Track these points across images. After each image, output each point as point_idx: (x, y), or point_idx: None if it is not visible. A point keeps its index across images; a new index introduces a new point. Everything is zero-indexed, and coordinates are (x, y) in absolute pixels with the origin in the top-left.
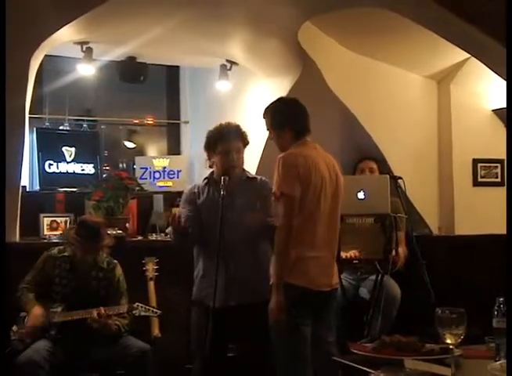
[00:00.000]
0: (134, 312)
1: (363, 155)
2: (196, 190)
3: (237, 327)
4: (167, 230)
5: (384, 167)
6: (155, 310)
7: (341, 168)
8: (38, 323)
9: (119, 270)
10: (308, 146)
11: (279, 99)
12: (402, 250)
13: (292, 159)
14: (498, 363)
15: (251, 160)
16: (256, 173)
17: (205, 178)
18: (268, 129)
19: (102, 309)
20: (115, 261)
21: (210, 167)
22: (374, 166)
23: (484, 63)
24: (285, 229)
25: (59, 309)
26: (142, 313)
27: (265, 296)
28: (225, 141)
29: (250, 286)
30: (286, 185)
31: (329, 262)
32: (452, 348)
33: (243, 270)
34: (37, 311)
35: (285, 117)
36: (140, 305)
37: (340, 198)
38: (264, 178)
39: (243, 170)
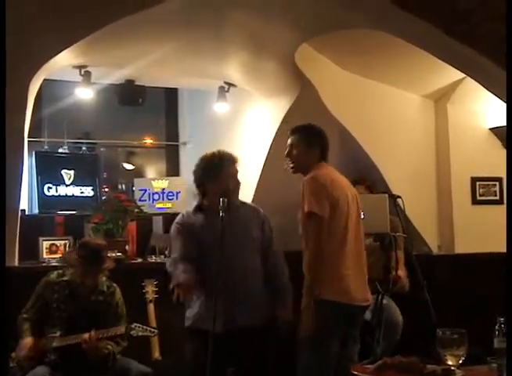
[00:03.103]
0: (132, 332)
1: (354, 177)
2: (187, 219)
3: (237, 352)
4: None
5: (376, 186)
6: (152, 330)
7: None
8: (25, 354)
9: (118, 294)
10: (328, 168)
11: (312, 124)
12: (402, 271)
13: (321, 180)
14: None
15: (248, 182)
16: (253, 197)
17: (196, 206)
18: (293, 145)
19: (92, 332)
20: (114, 284)
21: (203, 194)
22: (362, 191)
23: (480, 83)
24: (314, 249)
25: (58, 334)
26: (140, 333)
27: (265, 320)
28: (227, 166)
29: (250, 310)
30: (317, 205)
31: (363, 278)
32: (453, 370)
33: (242, 294)
34: (26, 342)
35: (317, 137)
36: (137, 325)
37: (360, 218)
38: (253, 204)
39: None
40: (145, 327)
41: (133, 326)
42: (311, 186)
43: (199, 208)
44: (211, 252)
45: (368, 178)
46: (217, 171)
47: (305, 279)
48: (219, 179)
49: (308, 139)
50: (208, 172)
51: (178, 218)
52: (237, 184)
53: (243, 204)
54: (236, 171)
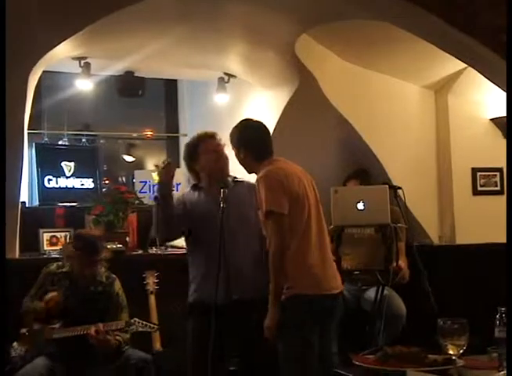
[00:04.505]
0: (131, 327)
1: (350, 172)
2: (184, 196)
3: (238, 325)
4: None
5: (371, 179)
6: (152, 325)
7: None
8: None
9: (118, 284)
10: (279, 161)
11: (243, 121)
12: (403, 262)
13: (273, 175)
14: (501, 373)
15: (247, 174)
16: None
17: (192, 186)
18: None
19: (100, 325)
20: (114, 275)
21: (196, 178)
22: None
23: (481, 73)
24: (279, 248)
25: (58, 326)
26: (140, 329)
27: (262, 295)
28: (202, 143)
29: (250, 283)
30: (274, 202)
31: (330, 265)
32: (454, 359)
33: (242, 268)
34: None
35: (242, 139)
36: (137, 320)
37: (320, 203)
38: (248, 180)
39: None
40: (145, 322)
41: (133, 321)
42: (265, 184)
43: (195, 187)
44: (207, 231)
45: (364, 167)
46: (195, 150)
47: (271, 278)
48: (199, 157)
49: (234, 142)
50: (189, 154)
51: (175, 196)
52: (221, 158)
53: (238, 181)
54: (217, 146)
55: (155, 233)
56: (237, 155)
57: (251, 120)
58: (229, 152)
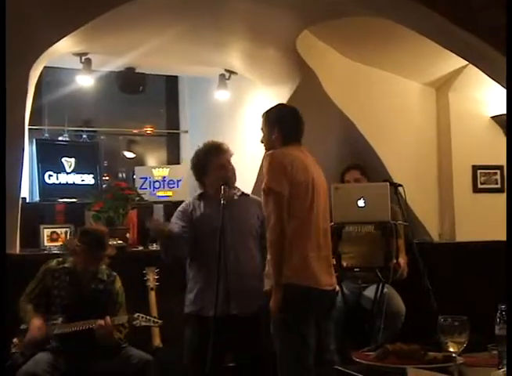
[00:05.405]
0: (134, 322)
1: (349, 164)
2: (190, 207)
3: (237, 338)
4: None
5: (371, 171)
6: (155, 320)
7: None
8: (39, 334)
9: (118, 283)
10: (296, 147)
11: (280, 104)
12: (403, 258)
13: (280, 157)
14: (501, 370)
15: (248, 171)
16: (254, 186)
17: (198, 195)
18: (262, 130)
19: (108, 318)
20: (114, 273)
21: (203, 187)
22: (358, 176)
23: (483, 70)
24: (277, 227)
25: (59, 321)
26: (143, 323)
27: (264, 307)
28: (218, 154)
29: (249, 296)
30: (274, 181)
31: (328, 261)
32: (454, 357)
33: (242, 281)
34: (36, 322)
35: (278, 119)
36: (141, 315)
37: (328, 200)
38: (254, 196)
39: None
40: (148, 317)
41: (136, 316)
42: (268, 163)
43: (201, 196)
44: (209, 241)
45: (363, 163)
46: (204, 163)
47: (269, 257)
48: (208, 172)
49: (269, 122)
50: (198, 165)
51: (180, 206)
52: (229, 172)
53: (243, 195)
54: (226, 160)
55: (164, 257)
56: (269, 135)
57: (289, 105)
58: (236, 163)
